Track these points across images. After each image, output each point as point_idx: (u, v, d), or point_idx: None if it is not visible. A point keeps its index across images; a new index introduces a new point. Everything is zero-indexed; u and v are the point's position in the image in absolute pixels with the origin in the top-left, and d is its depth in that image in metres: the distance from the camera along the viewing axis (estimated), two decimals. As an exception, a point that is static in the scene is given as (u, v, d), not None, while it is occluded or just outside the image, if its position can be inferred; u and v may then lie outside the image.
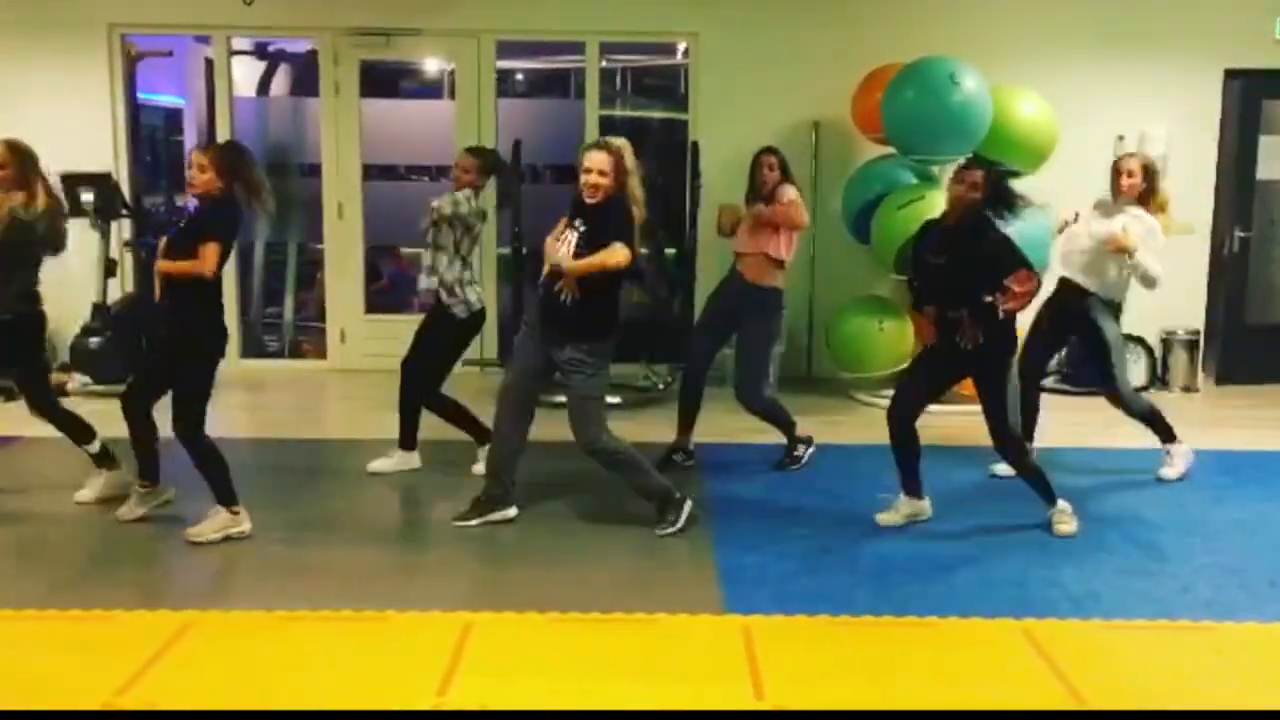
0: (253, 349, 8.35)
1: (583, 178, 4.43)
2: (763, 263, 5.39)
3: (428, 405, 5.36)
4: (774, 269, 5.41)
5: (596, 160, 4.41)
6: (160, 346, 4.61)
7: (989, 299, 4.39)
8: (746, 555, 4.36)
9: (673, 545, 4.48)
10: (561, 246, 4.44)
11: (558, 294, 4.41)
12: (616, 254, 4.35)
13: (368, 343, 7.91)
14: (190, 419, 4.41)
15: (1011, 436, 4.64)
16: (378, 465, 5.34)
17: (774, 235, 5.38)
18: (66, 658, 3.46)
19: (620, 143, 4.49)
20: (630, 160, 4.46)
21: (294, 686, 3.29)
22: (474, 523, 4.63)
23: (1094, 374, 5.53)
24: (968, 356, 4.53)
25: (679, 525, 4.56)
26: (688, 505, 4.61)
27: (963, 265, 4.49)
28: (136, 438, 4.57)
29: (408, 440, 5.38)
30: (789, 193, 5.39)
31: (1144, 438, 5.53)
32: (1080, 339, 5.57)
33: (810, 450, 5.57)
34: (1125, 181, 5.28)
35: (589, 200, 4.43)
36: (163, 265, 4.43)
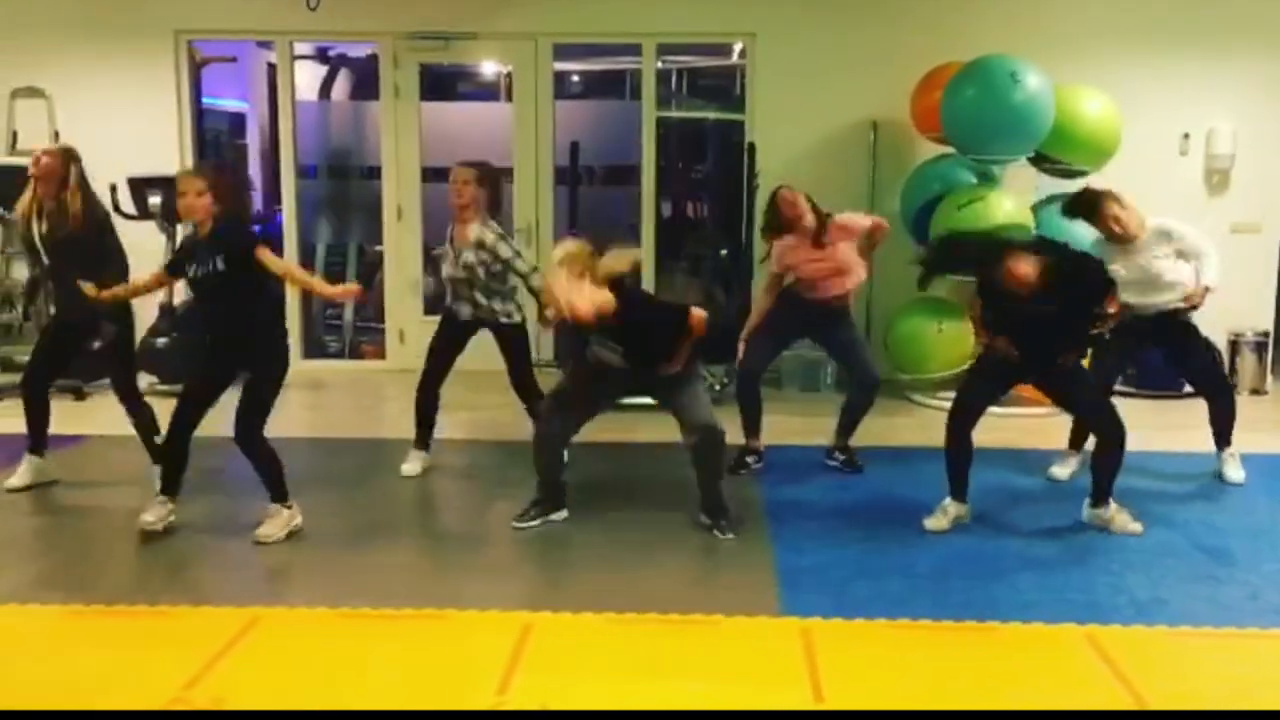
0: (313, 350, 8.46)
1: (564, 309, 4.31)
2: (835, 276, 5.41)
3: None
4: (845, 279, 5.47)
5: (559, 288, 4.29)
6: (224, 362, 4.60)
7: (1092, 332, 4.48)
8: (804, 557, 4.35)
9: (730, 547, 4.48)
10: (605, 356, 4.49)
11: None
12: (699, 322, 4.45)
13: (426, 343, 7.96)
14: (259, 425, 4.50)
15: (1116, 419, 4.61)
16: None
17: (851, 263, 5.42)
18: (135, 653, 3.53)
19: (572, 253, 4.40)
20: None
21: (356, 682, 3.33)
22: (536, 523, 4.65)
23: (1206, 383, 5.43)
24: (1047, 370, 4.56)
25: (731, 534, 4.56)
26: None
27: (1071, 307, 4.47)
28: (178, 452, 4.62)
29: None
30: (840, 219, 5.44)
31: (1209, 442, 5.41)
32: (1171, 351, 5.44)
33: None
34: (1125, 217, 5.08)
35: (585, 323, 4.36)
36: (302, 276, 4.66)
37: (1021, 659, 3.55)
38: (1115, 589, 4.07)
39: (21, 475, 5.12)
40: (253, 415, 4.49)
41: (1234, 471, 5.34)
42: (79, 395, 6.89)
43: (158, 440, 5.02)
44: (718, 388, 7.05)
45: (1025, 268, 4.40)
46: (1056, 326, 4.50)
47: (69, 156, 4.99)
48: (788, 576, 4.15)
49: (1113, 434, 4.62)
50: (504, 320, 5.28)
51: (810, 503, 5.05)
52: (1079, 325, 4.60)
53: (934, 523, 4.66)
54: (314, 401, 7.24)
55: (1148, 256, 5.11)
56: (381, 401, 7.48)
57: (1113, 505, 4.64)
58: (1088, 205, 5.16)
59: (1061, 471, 5.40)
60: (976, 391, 4.76)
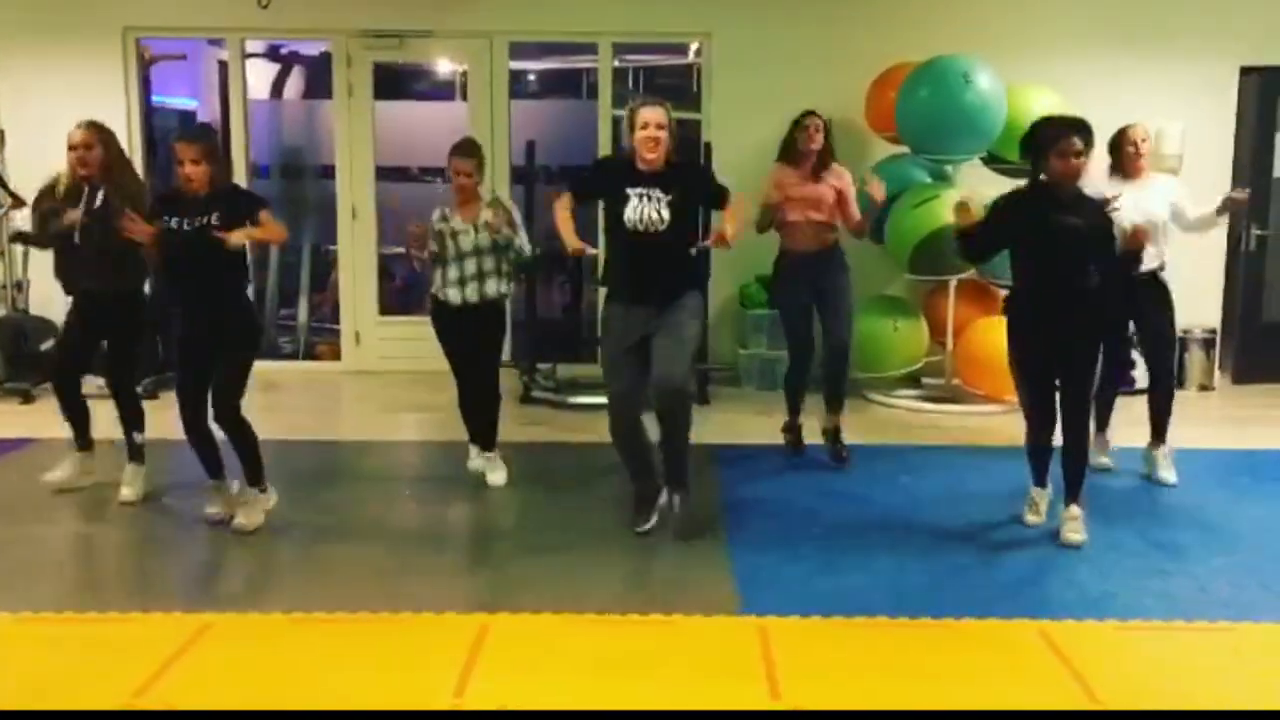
0: (268, 350, 8.35)
1: (639, 134, 4.34)
2: (826, 228, 5.50)
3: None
4: (831, 230, 5.54)
5: (655, 115, 4.35)
6: (198, 338, 4.54)
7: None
8: (762, 556, 4.36)
9: (688, 546, 4.48)
10: (653, 217, 4.36)
11: (670, 262, 4.45)
12: (743, 204, 4.53)
13: (382, 344, 7.93)
14: (238, 401, 4.50)
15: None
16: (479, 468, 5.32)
17: (828, 203, 5.47)
18: (85, 659, 3.48)
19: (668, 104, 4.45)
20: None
21: (311, 688, 3.30)
22: (654, 520, 4.60)
23: (1159, 363, 5.39)
24: (1087, 325, 4.50)
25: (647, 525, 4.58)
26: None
27: (1096, 229, 4.46)
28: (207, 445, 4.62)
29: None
30: (847, 176, 5.55)
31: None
32: (1145, 324, 5.39)
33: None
34: (1144, 149, 5.22)
35: (649, 156, 4.35)
36: (243, 235, 4.38)
37: (976, 655, 3.58)
38: (1067, 584, 4.12)
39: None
40: (234, 389, 4.50)
41: (1167, 472, 5.33)
42: (26, 398, 6.78)
43: (139, 439, 5.00)
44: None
45: (1072, 162, 4.36)
46: (1086, 245, 4.42)
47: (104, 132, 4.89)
48: (745, 575, 4.16)
49: (1081, 436, 4.59)
50: (494, 296, 5.19)
51: (768, 501, 5.07)
52: (1105, 247, 4.51)
53: (1033, 519, 4.66)
54: (269, 403, 7.15)
55: (1151, 197, 5.17)
56: (338, 403, 7.42)
57: (1075, 508, 4.57)
58: (1112, 142, 5.21)
59: (1107, 460, 5.46)
60: (1041, 375, 4.57)
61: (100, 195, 4.76)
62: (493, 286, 5.15)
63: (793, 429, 5.74)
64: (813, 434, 5.69)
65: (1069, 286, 4.46)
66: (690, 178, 4.57)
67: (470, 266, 5.10)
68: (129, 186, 4.86)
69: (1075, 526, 4.53)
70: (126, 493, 4.91)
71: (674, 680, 3.36)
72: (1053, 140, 4.39)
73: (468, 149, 5.13)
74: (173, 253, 4.48)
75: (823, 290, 5.55)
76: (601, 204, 4.60)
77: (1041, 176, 4.47)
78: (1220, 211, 5.31)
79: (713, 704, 3.18)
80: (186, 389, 4.56)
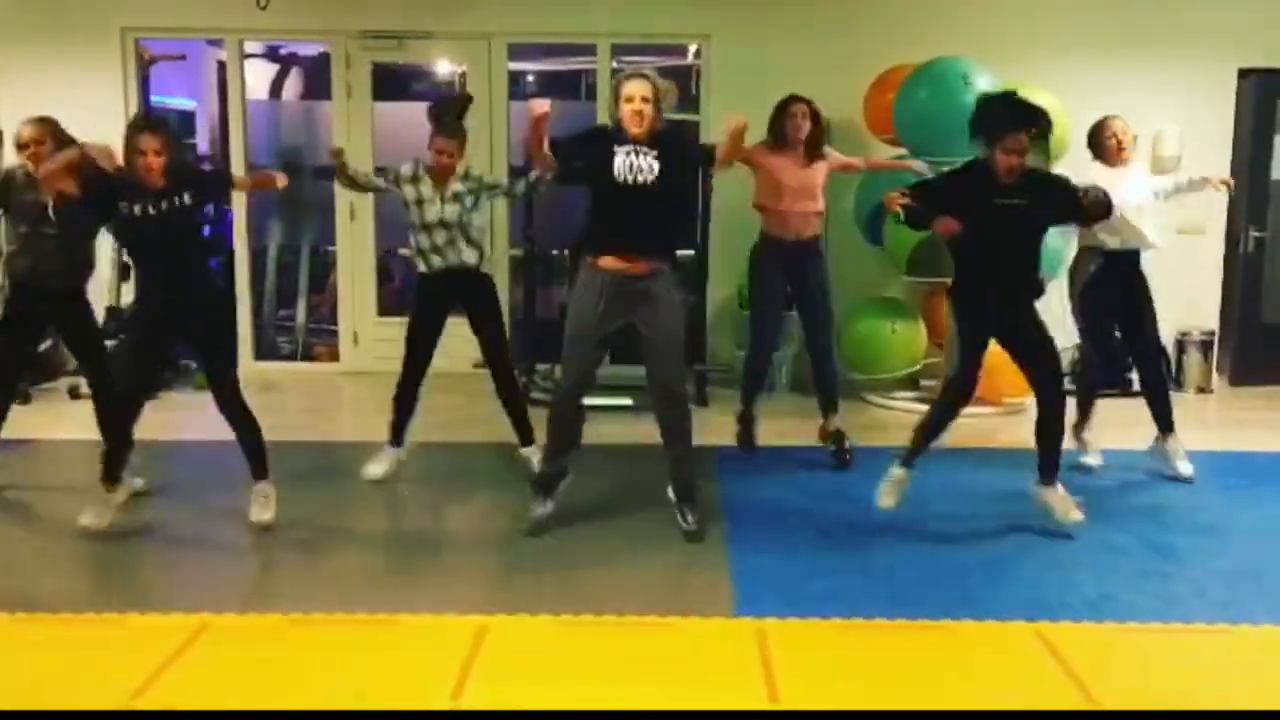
0: (266, 351, 8.37)
1: (625, 107, 4.32)
2: (815, 216, 5.55)
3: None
4: (819, 220, 5.59)
5: (641, 88, 4.33)
6: (162, 324, 4.52)
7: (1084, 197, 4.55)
8: (759, 557, 4.36)
9: (685, 547, 4.48)
10: (643, 167, 4.32)
11: (658, 217, 4.39)
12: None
13: (380, 345, 7.92)
14: (238, 383, 4.52)
15: (1063, 393, 4.64)
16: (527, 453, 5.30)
17: (821, 189, 5.53)
18: (83, 661, 3.47)
19: (653, 74, 4.42)
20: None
21: (309, 688, 3.30)
22: (550, 507, 4.62)
23: (1144, 347, 5.41)
24: (1020, 311, 4.58)
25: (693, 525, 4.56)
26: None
27: (1044, 200, 4.52)
28: (127, 439, 4.56)
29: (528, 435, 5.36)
30: (834, 153, 5.67)
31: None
32: (1131, 307, 5.38)
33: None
34: (1126, 140, 5.26)
35: (635, 130, 4.33)
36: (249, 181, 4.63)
37: (974, 657, 3.58)
38: (1064, 586, 4.12)
39: None
40: (232, 374, 4.52)
41: (1183, 464, 5.37)
42: (25, 399, 6.78)
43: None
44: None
45: (1012, 159, 4.43)
46: (1026, 228, 4.51)
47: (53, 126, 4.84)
48: (742, 577, 4.16)
49: (1058, 408, 4.63)
50: (471, 264, 5.21)
51: (765, 503, 5.07)
52: (1042, 229, 4.60)
53: (887, 500, 4.71)
54: (267, 404, 7.10)
55: (1129, 184, 5.18)
56: (336, 404, 7.42)
57: (1060, 488, 4.66)
58: (1091, 133, 5.31)
59: (1093, 459, 5.48)
60: (966, 361, 4.67)
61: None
62: (470, 254, 5.18)
63: (744, 419, 5.72)
64: (791, 436, 5.68)
65: (1011, 271, 4.54)
66: (676, 141, 4.52)
67: (438, 237, 5.13)
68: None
69: (1067, 505, 4.59)
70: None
71: (672, 682, 3.36)
72: (1001, 132, 4.42)
73: (453, 130, 5.14)
74: (137, 240, 4.48)
75: (804, 287, 5.57)
76: (588, 181, 4.47)
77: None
78: (1194, 185, 5.36)
79: (710, 706, 3.18)
80: (136, 373, 4.51)
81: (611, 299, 4.39)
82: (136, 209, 4.36)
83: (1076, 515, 4.61)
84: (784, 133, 5.52)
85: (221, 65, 8.30)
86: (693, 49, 8.45)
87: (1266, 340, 7.78)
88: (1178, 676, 3.48)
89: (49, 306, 4.81)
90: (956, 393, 4.70)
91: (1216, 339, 7.62)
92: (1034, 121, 4.43)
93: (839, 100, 7.28)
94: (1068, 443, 4.90)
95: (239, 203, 7.96)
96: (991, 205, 4.47)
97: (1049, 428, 4.65)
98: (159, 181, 4.34)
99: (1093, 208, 4.60)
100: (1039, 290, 4.71)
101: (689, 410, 4.58)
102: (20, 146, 4.71)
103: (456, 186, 5.13)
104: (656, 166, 4.34)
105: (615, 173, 4.33)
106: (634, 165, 4.34)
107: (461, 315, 5.27)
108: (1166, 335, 7.44)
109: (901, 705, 3.21)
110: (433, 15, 7.69)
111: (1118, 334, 5.48)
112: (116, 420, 4.55)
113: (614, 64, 8.05)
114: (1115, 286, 5.30)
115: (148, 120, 4.53)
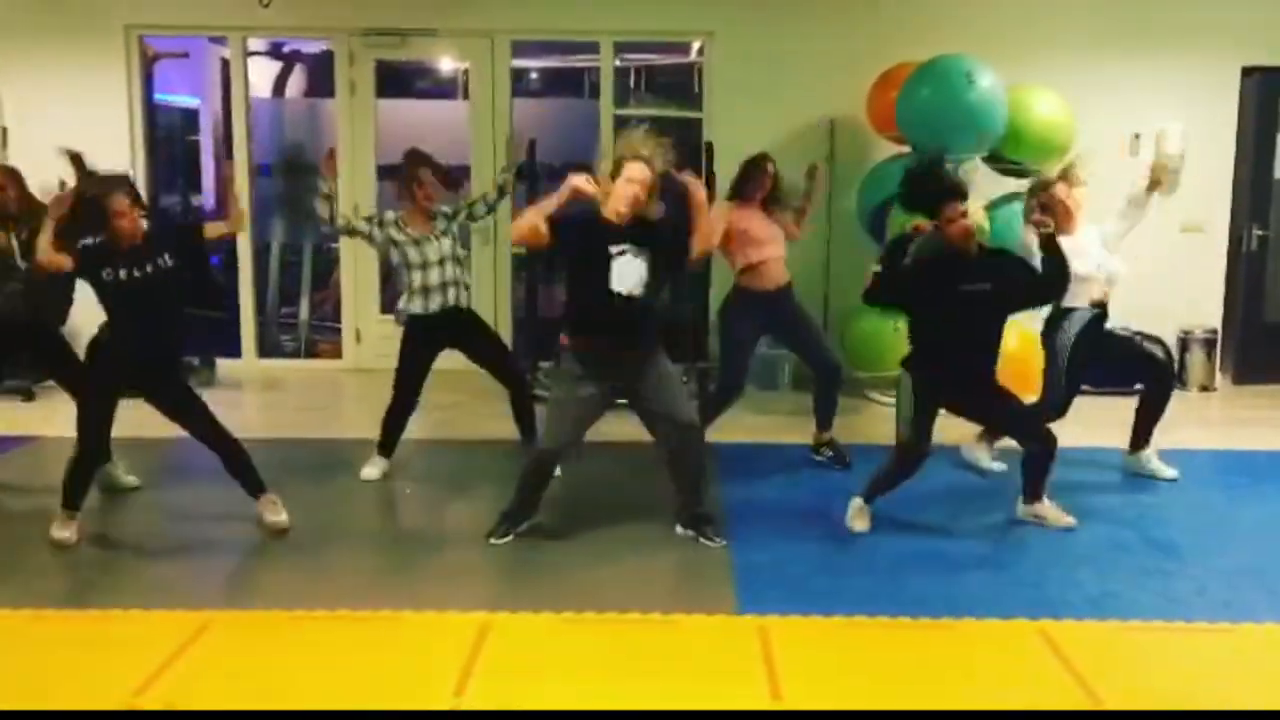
0: (269, 349, 8.38)
1: (622, 186, 4.24)
2: (783, 263, 5.57)
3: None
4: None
5: (641, 173, 4.26)
6: (140, 371, 4.50)
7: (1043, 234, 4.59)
8: (762, 555, 4.36)
9: (689, 545, 4.48)
10: (633, 276, 4.28)
11: (647, 320, 4.37)
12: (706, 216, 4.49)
13: (383, 343, 7.92)
14: (206, 411, 4.56)
15: (1042, 430, 4.66)
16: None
17: (785, 234, 5.59)
18: (85, 658, 3.48)
19: (649, 154, 4.32)
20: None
21: (311, 686, 3.30)
22: (510, 537, 4.52)
23: (1156, 370, 5.43)
24: (981, 386, 4.60)
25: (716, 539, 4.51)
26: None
27: (1008, 286, 4.53)
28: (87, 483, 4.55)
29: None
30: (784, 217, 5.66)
31: (1159, 439, 5.49)
32: (1124, 356, 5.44)
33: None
34: (1073, 205, 5.15)
35: (622, 210, 4.25)
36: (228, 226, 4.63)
37: (976, 654, 3.59)
38: (1067, 584, 4.12)
39: None
40: (200, 408, 4.56)
41: (1166, 468, 5.37)
42: (28, 396, 6.79)
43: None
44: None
45: (963, 224, 4.46)
46: (990, 310, 4.52)
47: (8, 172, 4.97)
48: (745, 574, 4.16)
49: (1042, 445, 4.64)
50: (467, 306, 5.34)
51: (767, 501, 5.07)
52: (1006, 311, 4.62)
53: (859, 523, 4.66)
54: (270, 401, 7.17)
55: (1082, 249, 5.08)
56: (338, 401, 7.43)
57: (1046, 500, 4.70)
58: (1044, 200, 5.10)
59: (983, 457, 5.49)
60: (921, 430, 4.63)
61: (25, 232, 4.78)
62: (464, 296, 5.30)
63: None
64: (793, 434, 5.68)
65: (972, 352, 4.57)
66: (665, 239, 4.39)
67: (438, 275, 5.20)
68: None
69: (1057, 513, 4.65)
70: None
71: (674, 679, 3.36)
72: (940, 204, 4.51)
73: (436, 170, 5.27)
74: (121, 304, 4.42)
75: (792, 324, 5.61)
76: (574, 260, 4.43)
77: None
78: (1137, 201, 5.23)
79: (713, 703, 3.19)
80: (101, 426, 4.45)
81: (601, 376, 4.39)
82: (122, 274, 4.34)
83: (1068, 520, 4.66)
84: (755, 188, 5.54)
85: (225, 63, 8.30)
86: (696, 46, 8.45)
87: (1269, 339, 7.77)
88: (1180, 675, 3.48)
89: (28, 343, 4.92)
90: (914, 460, 4.65)
91: (1219, 337, 7.61)
92: (959, 193, 4.51)
93: (842, 98, 7.30)
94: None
95: (242, 201, 7.96)
96: (957, 293, 4.49)
97: (1029, 463, 4.70)
98: (137, 236, 4.34)
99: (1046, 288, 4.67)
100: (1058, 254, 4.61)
101: (702, 440, 4.59)
102: None
103: (439, 224, 5.25)
104: (645, 271, 4.30)
105: (611, 281, 4.29)
106: (624, 275, 4.28)
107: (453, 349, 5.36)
108: (1169, 334, 7.47)
109: (904, 703, 3.22)
110: (436, 12, 7.69)
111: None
112: (90, 465, 4.53)
113: (617, 61, 8.05)
114: (1098, 343, 5.24)
115: (111, 181, 4.44)
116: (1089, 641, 3.63)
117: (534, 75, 9.76)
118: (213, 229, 4.79)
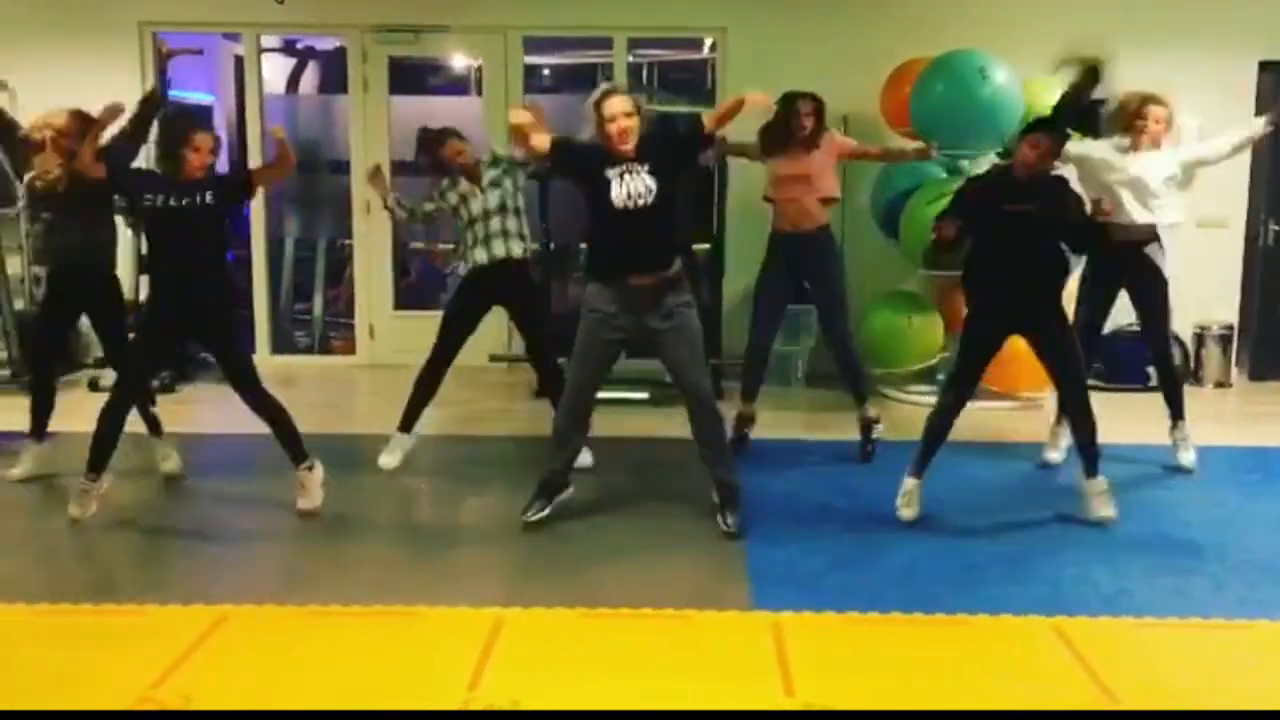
0: (282, 344, 8.40)
1: (610, 127, 4.31)
2: (815, 205, 5.47)
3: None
4: (824, 208, 5.51)
5: (622, 104, 4.35)
6: (170, 321, 4.59)
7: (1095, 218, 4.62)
8: (776, 551, 4.36)
9: (702, 541, 4.48)
10: (640, 189, 4.30)
11: (660, 232, 4.36)
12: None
13: (397, 338, 7.95)
14: (253, 373, 4.59)
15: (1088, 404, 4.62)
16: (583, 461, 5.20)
17: (823, 175, 5.47)
18: (101, 652, 3.50)
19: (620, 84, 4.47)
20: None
21: (325, 680, 3.31)
22: (547, 511, 4.58)
23: (1152, 328, 5.35)
24: (1038, 316, 4.58)
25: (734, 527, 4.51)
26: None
27: (1051, 210, 4.52)
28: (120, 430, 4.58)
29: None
30: (837, 135, 5.61)
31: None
32: (1142, 295, 5.33)
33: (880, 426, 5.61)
34: (1154, 128, 5.25)
35: (624, 147, 4.32)
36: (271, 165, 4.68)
37: (991, 651, 3.57)
38: (1081, 581, 4.11)
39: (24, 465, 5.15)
40: (251, 369, 4.59)
41: (1185, 454, 5.37)
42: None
43: (153, 410, 5.09)
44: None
45: (1030, 153, 4.50)
46: (1036, 231, 4.51)
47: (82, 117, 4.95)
48: (759, 570, 4.16)
49: (1081, 401, 4.62)
50: (519, 255, 5.31)
51: (781, 496, 5.06)
52: (1059, 230, 4.60)
53: (908, 511, 4.65)
54: (284, 397, 7.11)
55: (1154, 167, 5.17)
56: (352, 397, 7.45)
57: (1100, 481, 4.65)
58: (1126, 113, 5.27)
59: (1055, 455, 5.46)
60: (969, 371, 4.67)
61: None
62: (516, 247, 5.26)
63: (741, 420, 5.67)
64: (807, 430, 5.68)
65: (1020, 273, 4.54)
66: (661, 142, 4.50)
67: (490, 226, 5.22)
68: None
69: (1103, 501, 4.58)
70: (168, 466, 5.14)
71: (687, 675, 3.36)
72: (1031, 130, 4.60)
73: (460, 133, 5.33)
74: (153, 231, 4.56)
75: (812, 279, 5.56)
76: (582, 192, 4.50)
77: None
78: (1273, 120, 5.26)
79: (726, 699, 3.18)
80: (141, 373, 4.61)
81: (623, 309, 4.40)
82: (159, 200, 4.42)
83: (1106, 513, 4.61)
84: (789, 130, 5.49)
85: (239, 59, 8.32)
86: (709, 42, 8.44)
87: (1286, 335, 7.73)
88: (1196, 672, 3.47)
89: (80, 288, 4.94)
90: (952, 402, 4.67)
91: (1235, 333, 7.58)
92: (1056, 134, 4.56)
93: (855, 93, 7.26)
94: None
95: (256, 197, 7.98)
96: (999, 211, 4.52)
97: (1078, 424, 4.65)
98: (194, 175, 4.44)
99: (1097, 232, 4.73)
100: (1064, 271, 4.69)
101: (717, 412, 4.56)
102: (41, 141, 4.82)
103: (490, 173, 5.25)
104: (654, 184, 4.32)
105: (614, 200, 4.32)
106: (631, 190, 4.32)
107: (501, 308, 5.38)
108: (1185, 329, 7.43)
109: (917, 699, 3.21)
110: (449, 9, 7.69)
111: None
112: (121, 409, 4.56)
113: (630, 57, 8.05)
114: (1117, 274, 5.24)
115: (203, 122, 4.66)
116: (1104, 638, 3.62)
117: (546, 72, 9.76)
118: (262, 174, 4.91)
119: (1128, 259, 5.16)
